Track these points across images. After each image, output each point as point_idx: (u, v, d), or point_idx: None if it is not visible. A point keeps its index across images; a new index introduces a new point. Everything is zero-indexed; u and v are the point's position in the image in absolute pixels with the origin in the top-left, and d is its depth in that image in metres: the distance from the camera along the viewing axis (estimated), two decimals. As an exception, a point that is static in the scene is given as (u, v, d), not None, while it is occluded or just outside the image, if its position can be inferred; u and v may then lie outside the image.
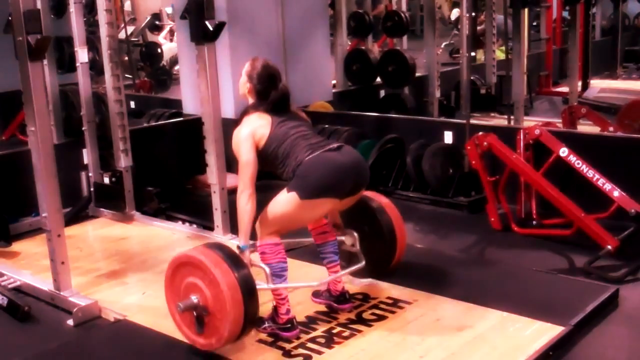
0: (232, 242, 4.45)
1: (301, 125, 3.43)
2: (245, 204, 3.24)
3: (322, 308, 3.58)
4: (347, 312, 3.53)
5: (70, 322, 3.64)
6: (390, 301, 3.64)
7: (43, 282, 3.97)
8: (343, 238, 3.64)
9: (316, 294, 3.65)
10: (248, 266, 3.15)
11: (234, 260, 3.08)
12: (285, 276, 3.30)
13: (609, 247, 4.18)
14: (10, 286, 4.00)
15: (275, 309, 3.34)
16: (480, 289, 3.82)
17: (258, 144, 3.32)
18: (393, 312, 3.53)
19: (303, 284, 3.66)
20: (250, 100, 3.48)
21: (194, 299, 3.09)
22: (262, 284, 3.22)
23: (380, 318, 3.47)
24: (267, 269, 3.23)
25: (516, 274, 4.05)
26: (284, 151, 3.30)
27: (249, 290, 3.02)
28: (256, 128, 3.33)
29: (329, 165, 3.24)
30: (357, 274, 3.76)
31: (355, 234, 3.61)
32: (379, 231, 3.72)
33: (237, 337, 3.10)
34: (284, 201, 3.25)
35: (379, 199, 3.80)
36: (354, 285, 3.81)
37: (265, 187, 3.47)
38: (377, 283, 3.83)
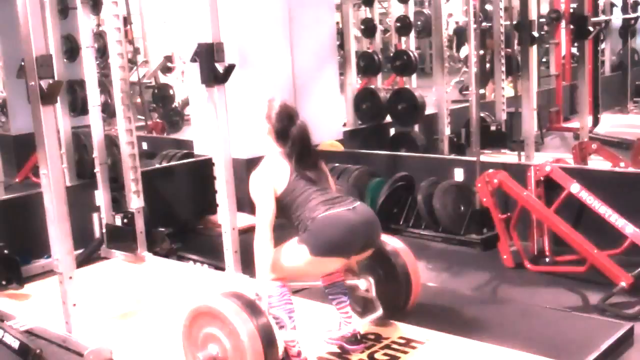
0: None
1: (319, 179, 3.38)
2: (263, 249, 3.20)
3: (334, 349, 3.55)
4: (358, 352, 3.50)
5: (81, 365, 3.63)
6: (402, 341, 3.61)
7: (55, 325, 3.96)
8: (357, 282, 3.58)
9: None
10: (266, 314, 3.11)
11: (253, 309, 3.03)
12: (293, 318, 3.28)
13: (623, 283, 4.13)
14: (21, 329, 3.99)
15: (286, 351, 3.31)
16: (494, 327, 3.78)
17: (275, 191, 3.29)
18: (405, 353, 3.49)
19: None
20: (271, 143, 3.44)
21: (213, 350, 3.05)
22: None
23: (393, 359, 3.44)
24: (287, 320, 3.20)
25: (529, 312, 4.01)
26: (298, 204, 3.28)
27: (269, 340, 2.98)
28: (275, 175, 3.30)
29: (341, 225, 3.21)
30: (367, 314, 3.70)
31: (371, 279, 3.55)
32: (394, 275, 3.65)
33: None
34: (295, 253, 3.24)
35: (394, 243, 3.75)
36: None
37: (280, 226, 3.40)
38: (389, 322, 3.79)
